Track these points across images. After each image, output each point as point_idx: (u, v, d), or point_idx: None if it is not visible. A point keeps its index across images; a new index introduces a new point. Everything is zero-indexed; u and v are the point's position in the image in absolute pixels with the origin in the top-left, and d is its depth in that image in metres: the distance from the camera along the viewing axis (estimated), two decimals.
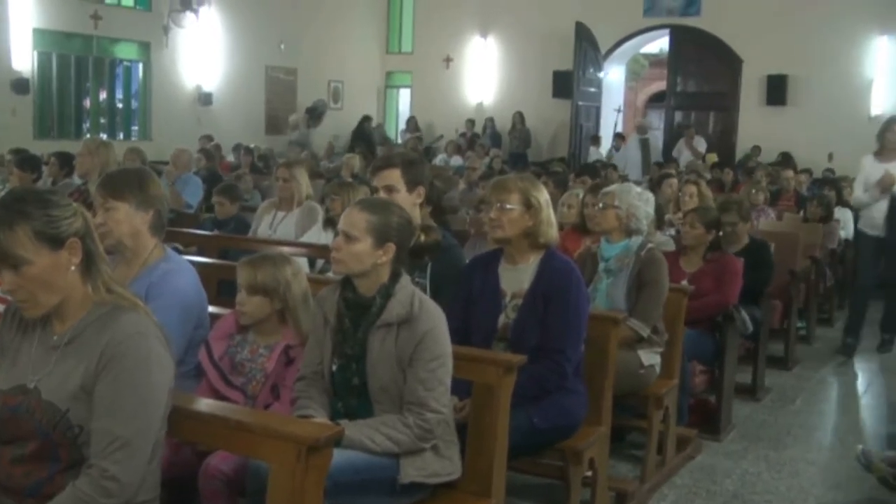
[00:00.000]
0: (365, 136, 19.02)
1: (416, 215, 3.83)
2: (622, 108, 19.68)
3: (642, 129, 18.23)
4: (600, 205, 4.87)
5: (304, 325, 3.36)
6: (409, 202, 3.84)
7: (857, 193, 7.68)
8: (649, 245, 4.78)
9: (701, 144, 17.30)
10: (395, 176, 3.88)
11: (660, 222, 6.33)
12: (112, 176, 3.37)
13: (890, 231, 7.40)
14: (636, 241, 4.74)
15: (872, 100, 16.76)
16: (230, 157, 15.01)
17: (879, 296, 7.82)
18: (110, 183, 3.30)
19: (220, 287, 5.21)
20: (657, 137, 18.72)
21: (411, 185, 3.90)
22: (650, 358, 4.65)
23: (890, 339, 7.78)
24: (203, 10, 16.90)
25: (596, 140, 18.68)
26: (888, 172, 7.24)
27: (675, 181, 8.45)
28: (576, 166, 15.68)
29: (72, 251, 2.36)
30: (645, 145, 17.67)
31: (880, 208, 7.41)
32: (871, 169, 7.42)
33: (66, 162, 8.28)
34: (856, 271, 8.26)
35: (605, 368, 4.04)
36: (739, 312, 5.51)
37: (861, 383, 7.25)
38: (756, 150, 16.84)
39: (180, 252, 4.63)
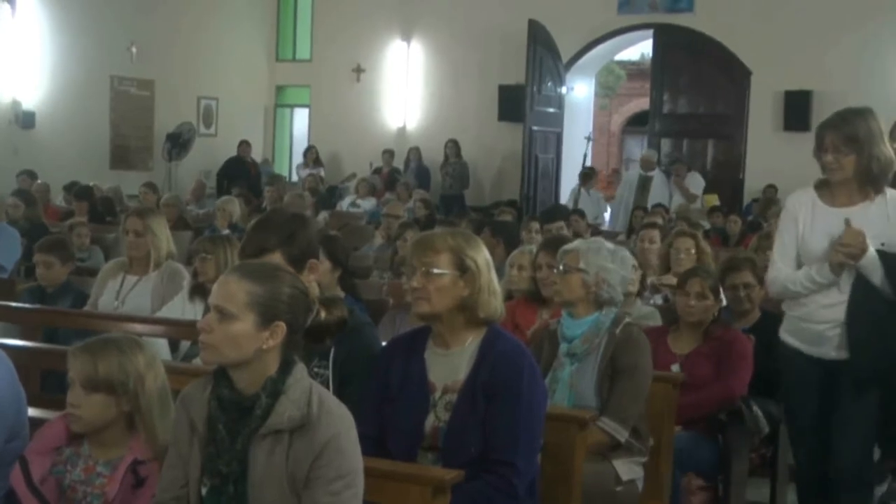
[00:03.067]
0: (244, 171, 18.97)
1: (314, 289, 3.85)
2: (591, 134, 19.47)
3: (648, 164, 17.52)
4: (560, 267, 4.93)
5: (161, 433, 3.34)
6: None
7: (781, 272, 5.21)
8: (626, 319, 4.85)
9: (695, 183, 17.27)
10: (275, 261, 3.80)
11: (640, 287, 6.43)
12: None
13: (862, 349, 4.99)
14: (608, 314, 4.80)
15: None
16: (59, 201, 14.86)
17: None
18: None
19: (45, 381, 5.16)
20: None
21: (300, 264, 3.87)
22: (630, 470, 4.69)
23: None
24: None
25: (589, 177, 17.82)
26: (849, 227, 4.89)
27: (655, 233, 8.52)
28: (530, 211, 15.80)
29: None
30: (645, 185, 17.10)
31: (833, 299, 5.03)
32: (812, 222, 5.12)
33: None
34: (791, 433, 5.65)
35: (570, 485, 4.07)
36: (750, 408, 5.57)
37: None
38: (771, 190, 16.88)
39: None
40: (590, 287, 4.80)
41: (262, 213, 4.41)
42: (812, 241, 5.04)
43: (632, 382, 4.67)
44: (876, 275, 4.85)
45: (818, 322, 5.06)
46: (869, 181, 4.96)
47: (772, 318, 6.51)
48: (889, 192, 5.02)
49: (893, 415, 5.21)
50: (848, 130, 4.92)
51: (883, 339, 4.92)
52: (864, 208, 4.98)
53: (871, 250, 4.83)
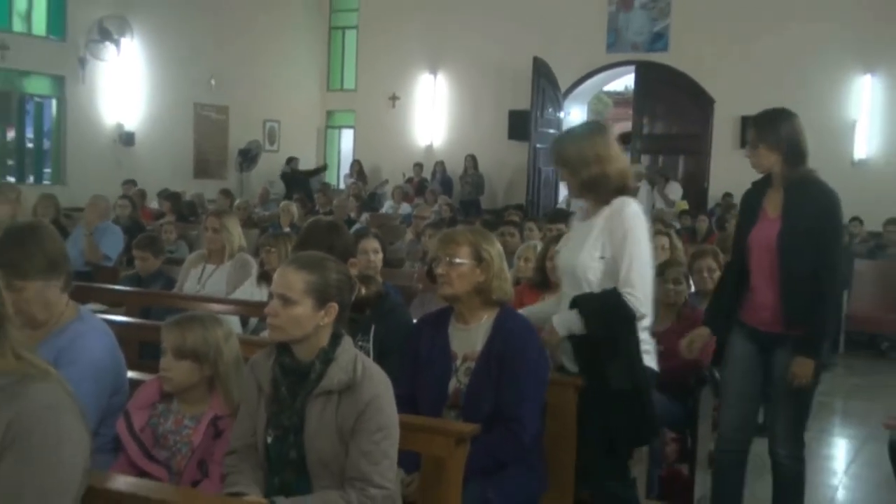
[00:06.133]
0: (295, 180, 19.07)
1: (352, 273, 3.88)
2: None
3: (637, 176, 16.67)
4: None
5: (235, 393, 3.34)
6: None
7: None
8: None
9: (674, 190, 17.22)
10: None
11: None
12: (8, 251, 3.19)
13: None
14: None
15: (856, 143, 16.89)
16: (154, 204, 14.92)
17: None
18: (9, 262, 3.14)
19: (142, 350, 5.17)
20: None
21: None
22: None
23: None
24: (125, 41, 16.88)
25: None
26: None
27: None
28: (534, 214, 15.79)
29: None
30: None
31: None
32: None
33: None
34: None
35: (568, 440, 4.05)
36: (713, 375, 5.55)
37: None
38: (728, 197, 16.87)
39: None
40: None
41: (303, 229, 4.43)
42: None
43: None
44: (582, 325, 3.99)
45: None
46: (590, 196, 4.14)
47: None
48: (616, 203, 4.07)
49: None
50: (554, 155, 4.22)
51: (607, 358, 3.96)
52: (590, 223, 4.13)
53: (558, 319, 4.05)
